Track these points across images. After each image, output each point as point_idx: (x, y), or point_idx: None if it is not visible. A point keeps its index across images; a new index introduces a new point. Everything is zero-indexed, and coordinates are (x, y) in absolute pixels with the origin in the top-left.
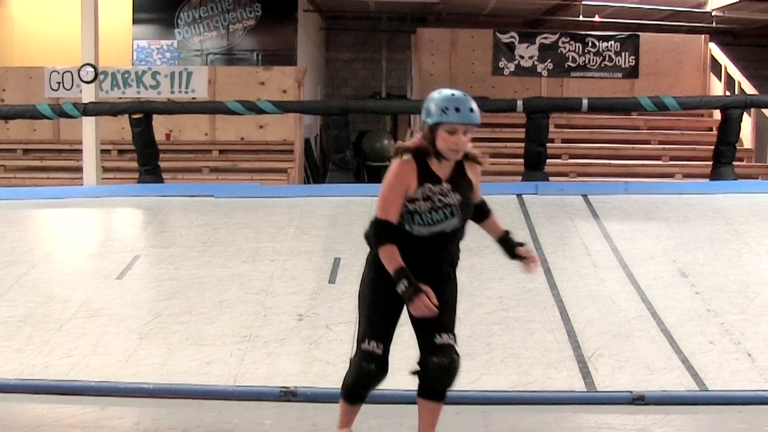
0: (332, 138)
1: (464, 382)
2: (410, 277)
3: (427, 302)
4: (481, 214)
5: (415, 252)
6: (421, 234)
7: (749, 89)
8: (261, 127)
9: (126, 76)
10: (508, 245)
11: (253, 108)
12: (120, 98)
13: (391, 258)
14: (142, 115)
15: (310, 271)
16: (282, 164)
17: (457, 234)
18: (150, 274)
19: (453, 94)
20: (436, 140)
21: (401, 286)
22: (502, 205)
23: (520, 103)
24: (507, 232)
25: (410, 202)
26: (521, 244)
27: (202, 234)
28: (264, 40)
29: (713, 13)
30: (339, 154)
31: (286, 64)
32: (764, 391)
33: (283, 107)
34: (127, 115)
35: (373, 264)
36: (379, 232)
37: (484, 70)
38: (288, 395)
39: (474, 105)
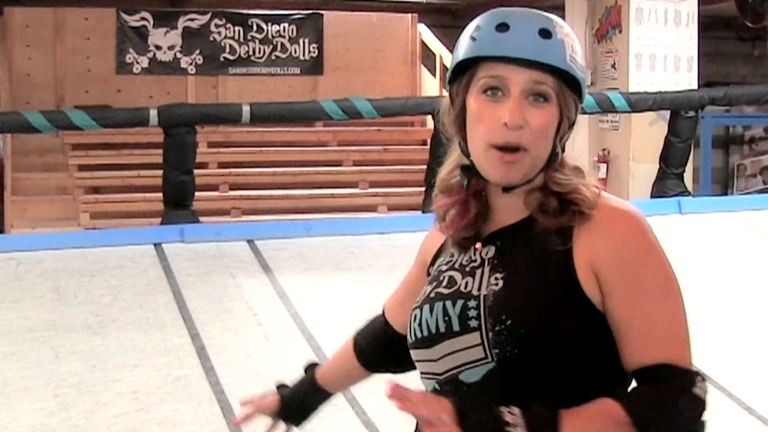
0: None
1: None
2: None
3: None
4: None
5: None
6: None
7: None
8: None
9: None
10: None
11: None
12: None
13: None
14: None
15: None
16: None
17: (499, 391)
18: None
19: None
20: (468, 133)
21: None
22: (135, 261)
23: (153, 112)
24: None
25: None
26: None
27: None
28: None
29: None
30: None
31: None
32: None
33: None
34: None
35: None
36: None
37: (104, 67)
38: None
39: (551, 23)
